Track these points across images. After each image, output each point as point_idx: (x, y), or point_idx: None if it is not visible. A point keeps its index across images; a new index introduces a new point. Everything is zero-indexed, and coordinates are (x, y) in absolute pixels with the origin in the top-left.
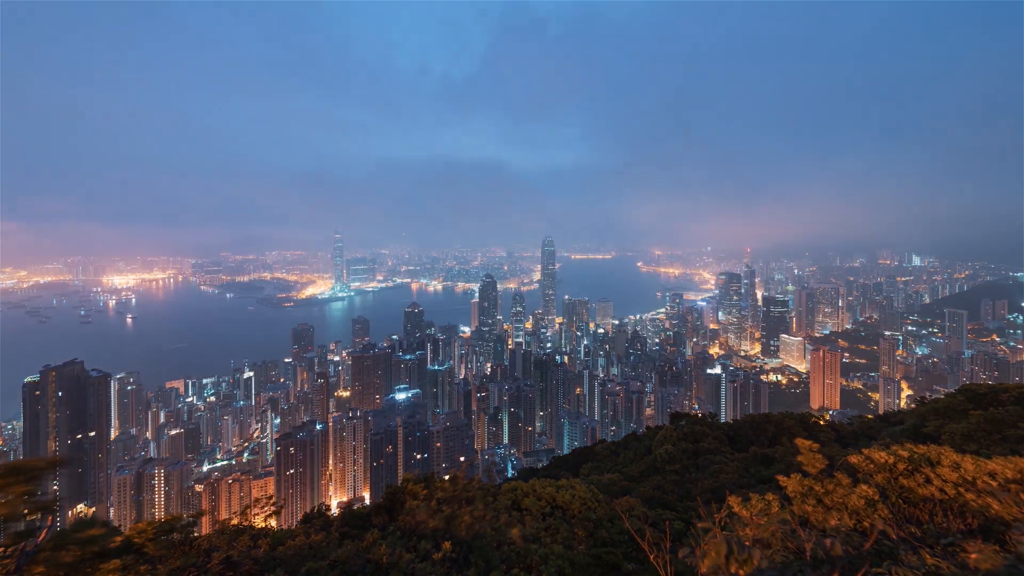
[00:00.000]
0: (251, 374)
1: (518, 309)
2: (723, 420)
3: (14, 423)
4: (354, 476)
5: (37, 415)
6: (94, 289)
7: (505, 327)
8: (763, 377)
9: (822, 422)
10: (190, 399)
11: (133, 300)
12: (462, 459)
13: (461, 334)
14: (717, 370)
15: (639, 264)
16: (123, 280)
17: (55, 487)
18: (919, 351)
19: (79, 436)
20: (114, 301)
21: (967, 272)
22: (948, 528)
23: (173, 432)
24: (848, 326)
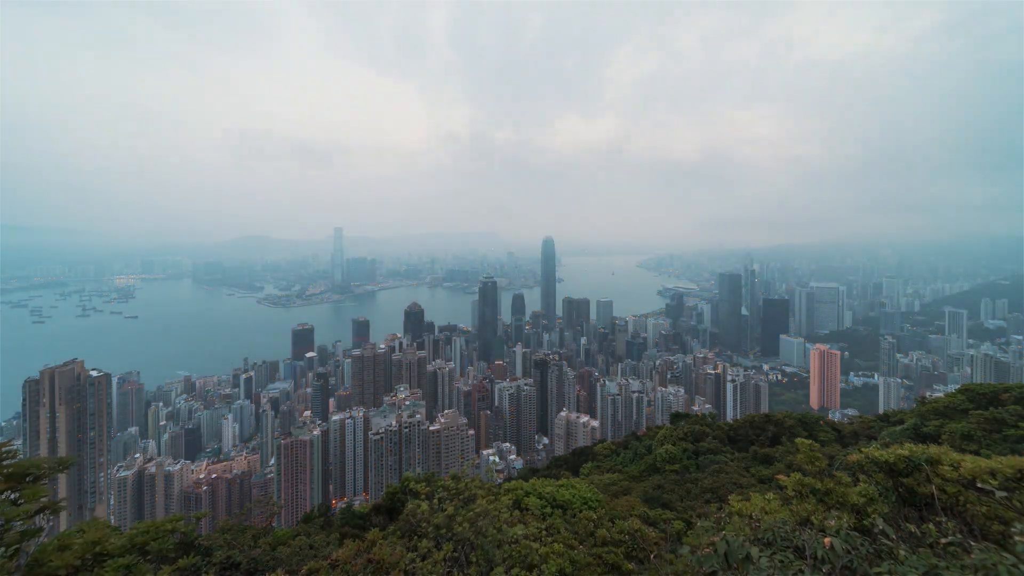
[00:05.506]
0: (251, 374)
1: (518, 309)
2: (723, 420)
3: (14, 423)
4: (354, 476)
5: (37, 415)
6: (94, 289)
7: (505, 327)
8: (763, 377)
9: (822, 422)
10: (190, 399)
11: (133, 300)
12: (462, 459)
13: (461, 334)
14: (717, 370)
15: (639, 264)
16: (123, 280)
17: (55, 487)
18: (919, 351)
19: (79, 436)
20: (114, 301)
21: (967, 272)
22: (948, 528)
23: (173, 432)
24: (848, 326)
